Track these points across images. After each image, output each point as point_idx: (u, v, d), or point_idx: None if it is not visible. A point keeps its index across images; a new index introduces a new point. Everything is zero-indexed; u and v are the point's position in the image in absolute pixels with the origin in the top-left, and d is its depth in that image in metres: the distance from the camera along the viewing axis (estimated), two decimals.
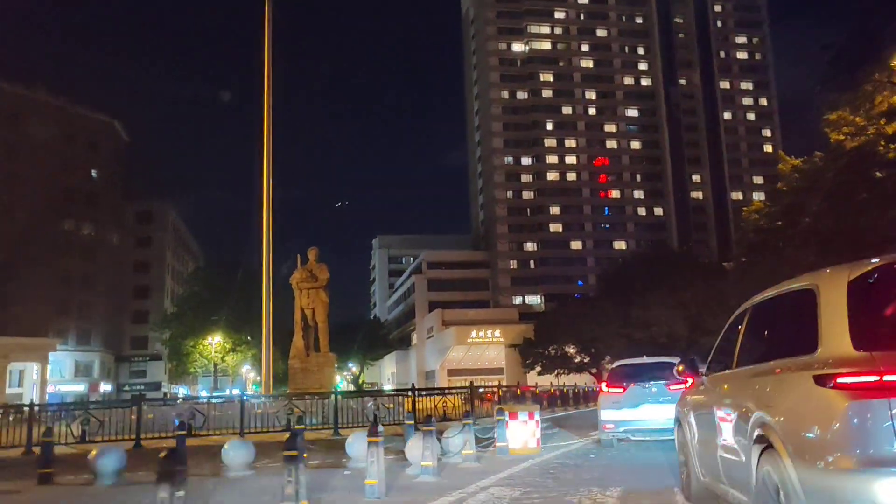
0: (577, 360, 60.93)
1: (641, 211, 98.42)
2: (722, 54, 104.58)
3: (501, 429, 10.53)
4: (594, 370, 61.63)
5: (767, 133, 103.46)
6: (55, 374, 68.46)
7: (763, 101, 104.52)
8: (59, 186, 70.16)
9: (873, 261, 3.45)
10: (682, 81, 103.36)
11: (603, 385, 12.14)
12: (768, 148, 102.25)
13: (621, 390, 11.14)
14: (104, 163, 76.09)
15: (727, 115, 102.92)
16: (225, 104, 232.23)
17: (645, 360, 12.36)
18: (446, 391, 18.96)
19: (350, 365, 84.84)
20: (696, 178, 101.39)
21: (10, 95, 66.70)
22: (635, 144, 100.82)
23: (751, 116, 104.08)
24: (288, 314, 24.15)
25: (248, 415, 15.04)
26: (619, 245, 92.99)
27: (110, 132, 77.51)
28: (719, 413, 4.58)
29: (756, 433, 3.72)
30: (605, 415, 11.46)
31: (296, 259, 21.62)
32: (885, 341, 3.11)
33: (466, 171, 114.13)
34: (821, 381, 3.14)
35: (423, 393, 18.08)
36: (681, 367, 5.50)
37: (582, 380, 56.11)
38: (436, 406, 16.40)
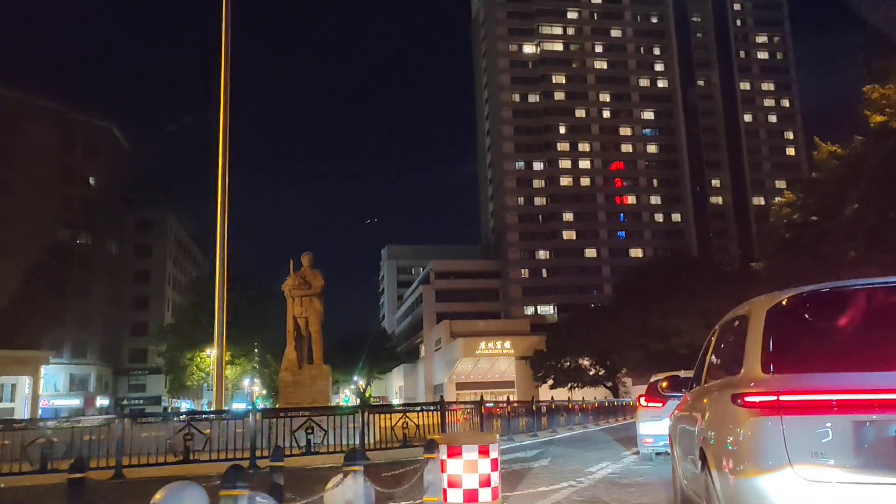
0: (591, 373, 59.51)
1: (658, 217, 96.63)
2: (742, 54, 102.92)
3: (433, 473, 6.54)
4: (609, 383, 59.94)
5: (790, 135, 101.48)
6: (49, 388, 67.48)
7: (785, 103, 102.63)
8: (57, 193, 69.58)
9: (788, 291, 3.93)
10: (700, 82, 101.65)
11: (641, 399, 12.19)
12: (791, 151, 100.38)
13: (660, 404, 10.89)
14: (103, 169, 75.48)
15: (748, 117, 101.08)
16: (232, 109, 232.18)
17: (682, 374, 11.14)
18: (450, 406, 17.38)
19: (356, 378, 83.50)
20: (715, 182, 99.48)
21: (7, 101, 66.30)
22: (652, 148, 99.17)
23: (772, 118, 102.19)
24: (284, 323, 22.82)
25: (257, 435, 12.68)
26: (636, 253, 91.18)
27: (109, 138, 76.92)
28: (688, 428, 4.95)
29: (699, 446, 4.25)
30: (644, 428, 11.41)
31: (289, 265, 20.51)
32: (787, 365, 3.56)
33: (477, 178, 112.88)
34: (734, 399, 3.63)
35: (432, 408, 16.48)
36: (665, 384, 5.71)
37: (597, 394, 54.44)
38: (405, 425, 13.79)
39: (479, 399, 15.11)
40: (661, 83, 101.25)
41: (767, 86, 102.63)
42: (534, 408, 18.75)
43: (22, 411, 57.75)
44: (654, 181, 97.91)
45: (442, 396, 16.25)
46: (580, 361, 59.96)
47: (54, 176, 69.73)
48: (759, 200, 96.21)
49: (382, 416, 13.59)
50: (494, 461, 6.40)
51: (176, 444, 11.55)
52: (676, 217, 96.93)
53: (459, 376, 71.26)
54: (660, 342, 47.55)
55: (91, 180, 74.57)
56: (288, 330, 20.29)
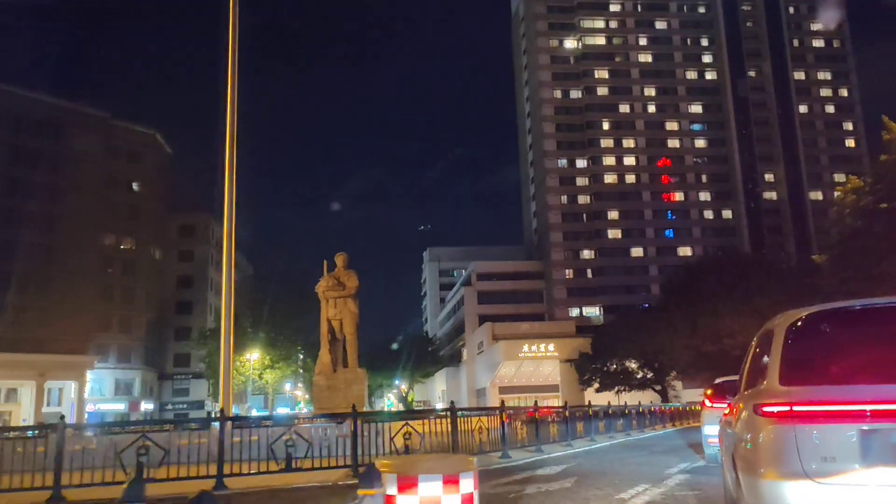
0: (639, 376, 57.43)
1: (708, 214, 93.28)
2: (795, 42, 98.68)
3: None
4: (658, 387, 57.62)
5: (849, 126, 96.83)
6: (96, 393, 68.50)
7: (843, 92, 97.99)
8: (101, 200, 70.62)
9: (807, 309, 4.29)
10: (751, 73, 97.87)
11: (706, 401, 12.27)
12: (850, 143, 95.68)
13: (726, 405, 9.53)
14: (146, 175, 76.44)
15: (803, 109, 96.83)
16: (273, 113, 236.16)
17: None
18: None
19: (397, 381, 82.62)
20: (768, 177, 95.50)
21: (52, 108, 67.76)
22: (700, 143, 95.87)
23: (830, 109, 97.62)
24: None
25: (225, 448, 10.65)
26: (684, 251, 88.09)
27: (153, 144, 77.88)
28: (727, 432, 5.40)
29: (732, 451, 4.84)
30: (710, 430, 11.24)
31: (322, 266, 19.76)
32: (802, 378, 3.90)
33: (518, 178, 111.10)
34: (755, 409, 3.99)
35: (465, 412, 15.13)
36: (709, 391, 6.41)
37: (645, 398, 52.24)
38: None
39: (499, 405, 13.44)
40: (709, 75, 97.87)
41: (824, 75, 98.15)
42: (566, 413, 16.87)
43: (69, 415, 58.64)
44: (703, 177, 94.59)
45: (453, 402, 14.82)
46: (627, 364, 58.05)
47: (99, 182, 70.86)
48: (816, 195, 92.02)
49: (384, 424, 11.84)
50: (468, 498, 4.23)
51: (139, 456, 9.66)
52: (727, 214, 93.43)
53: (502, 380, 69.66)
54: (711, 343, 45.46)
55: (134, 186, 75.52)
56: (322, 332, 19.67)
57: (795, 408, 3.68)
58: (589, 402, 23.66)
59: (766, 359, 4.29)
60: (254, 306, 61.25)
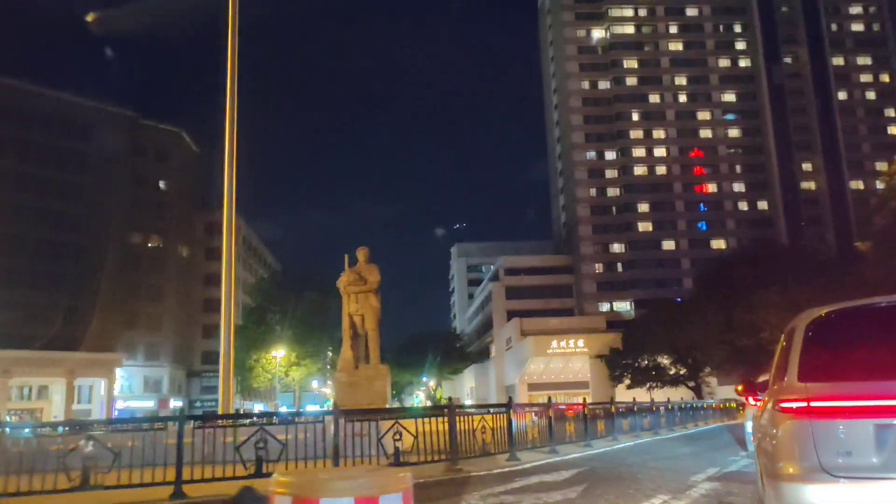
0: (671, 372, 55.69)
1: (743, 206, 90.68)
2: (833, 27, 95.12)
3: None
4: (692, 383, 55.77)
5: (891, 113, 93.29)
6: (126, 390, 68.89)
7: (884, 78, 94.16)
8: (129, 198, 71.03)
9: (827, 307, 4.40)
10: (787, 60, 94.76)
11: (749, 399, 11.60)
12: (893, 130, 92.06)
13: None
14: (173, 174, 76.72)
15: (842, 95, 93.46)
16: (301, 110, 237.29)
17: None
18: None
19: (424, 378, 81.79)
20: (806, 166, 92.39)
21: (80, 108, 68.29)
22: (734, 132, 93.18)
23: (870, 95, 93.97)
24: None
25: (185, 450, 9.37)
26: (718, 244, 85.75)
27: (179, 143, 78.13)
28: (756, 426, 5.73)
29: (758, 445, 5.09)
30: (751, 427, 11.58)
31: (343, 260, 19.41)
32: (819, 374, 4.00)
33: (547, 172, 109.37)
34: (776, 404, 4.19)
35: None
36: (740, 388, 6.35)
37: (678, 394, 50.62)
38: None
39: (507, 402, 12.28)
40: (742, 63, 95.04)
41: (864, 60, 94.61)
42: (585, 411, 15.53)
43: (99, 412, 59.12)
44: (738, 167, 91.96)
45: (450, 398, 13.73)
46: (659, 360, 56.30)
47: (126, 181, 71.26)
48: (857, 184, 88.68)
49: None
50: None
51: (85, 460, 8.57)
52: (763, 205, 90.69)
53: (531, 377, 68.32)
54: (747, 338, 43.80)
55: (162, 185, 75.84)
56: (343, 328, 19.35)
57: (812, 403, 3.81)
58: (612, 397, 22.28)
59: (787, 356, 4.40)
60: (280, 303, 60.89)
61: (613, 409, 19.01)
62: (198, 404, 77.36)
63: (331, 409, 10.69)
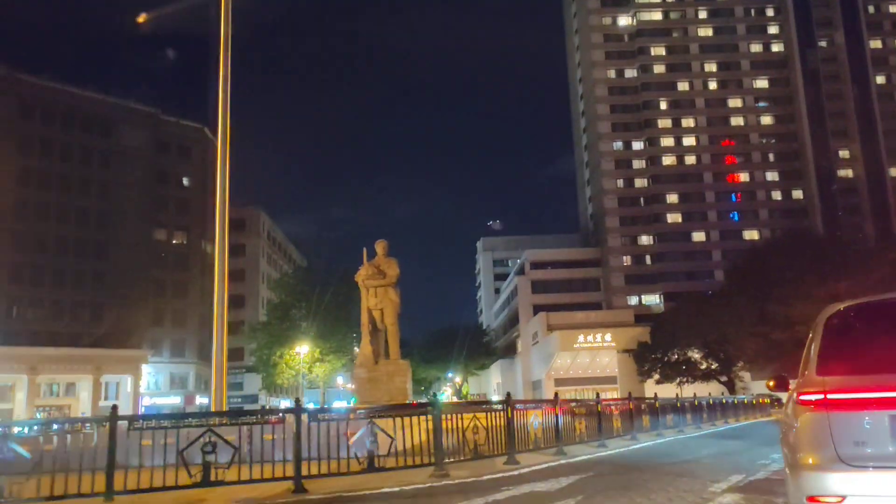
0: (702, 367, 54.06)
1: (776, 195, 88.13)
2: (871, 9, 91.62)
3: None
4: (724, 378, 53.99)
5: None
6: (152, 387, 69.19)
7: None
8: (152, 195, 71.26)
9: (845, 302, 4.57)
10: (822, 44, 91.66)
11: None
12: None
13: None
14: (196, 170, 76.72)
15: (880, 79, 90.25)
16: (324, 105, 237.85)
17: None
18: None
19: (449, 374, 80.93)
20: (843, 153, 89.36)
21: (102, 105, 68.63)
22: (766, 120, 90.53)
23: None
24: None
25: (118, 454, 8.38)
26: (751, 235, 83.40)
27: (202, 139, 78.14)
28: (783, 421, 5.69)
29: (782, 437, 5.09)
30: None
31: (362, 254, 19.22)
32: (836, 368, 4.16)
33: (573, 164, 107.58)
34: (795, 397, 4.36)
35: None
36: (772, 383, 5.99)
37: (710, 389, 49.04)
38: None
39: (505, 398, 11.18)
40: (775, 47, 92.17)
41: None
42: (598, 408, 14.19)
43: (126, 409, 59.35)
44: (771, 156, 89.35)
45: (434, 394, 12.68)
46: (689, 354, 54.65)
47: (149, 177, 71.46)
48: None
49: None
50: None
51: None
52: (798, 194, 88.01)
53: (557, 372, 67.06)
54: (782, 331, 42.27)
55: (185, 181, 75.91)
56: (363, 323, 19.18)
57: (829, 396, 3.99)
58: (629, 392, 20.98)
59: (810, 349, 4.52)
60: (304, 298, 60.40)
61: (632, 406, 17.79)
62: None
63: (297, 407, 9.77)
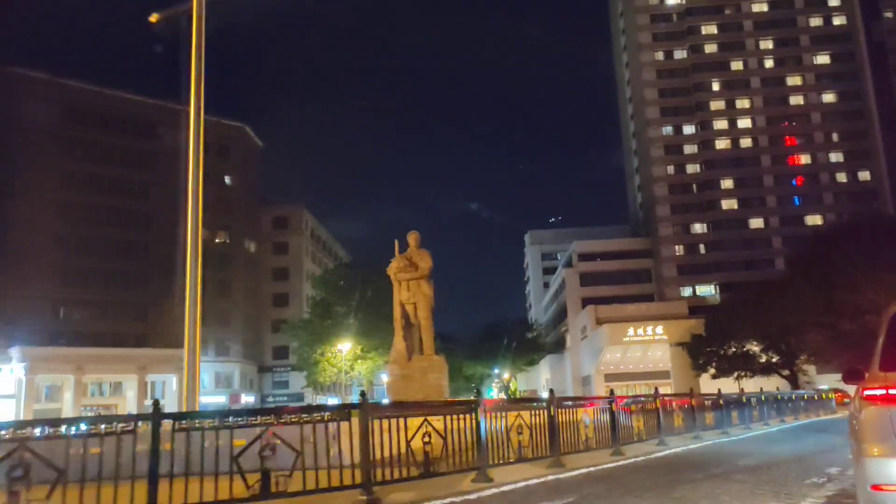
0: (762, 360, 51.24)
1: (841, 177, 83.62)
2: None
3: None
4: (786, 372, 50.92)
5: None
6: None
7: None
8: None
9: None
10: (888, 14, 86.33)
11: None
12: None
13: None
14: (237, 169, 77.01)
15: None
16: (371, 102, 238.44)
17: None
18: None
19: (496, 370, 79.28)
20: None
21: (143, 107, 69.38)
22: (829, 98, 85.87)
23: None
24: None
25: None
26: (813, 220, 79.37)
27: (242, 137, 78.45)
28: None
29: (849, 429, 5.33)
30: None
31: (393, 246, 18.32)
32: None
33: (622, 153, 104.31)
34: (859, 392, 4.69)
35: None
36: (845, 376, 6.01)
37: (771, 384, 46.39)
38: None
39: (608, 394, 9.79)
40: (836, 20, 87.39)
41: None
42: (612, 406, 12.67)
43: (172, 409, 59.68)
44: (834, 135, 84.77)
45: (478, 390, 11.29)
46: (748, 346, 51.80)
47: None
48: None
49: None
50: None
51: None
52: (865, 175, 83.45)
53: (607, 367, 64.81)
54: (850, 321, 39.52)
55: (226, 180, 76.17)
56: (395, 318, 18.34)
57: (891, 391, 4.29)
58: (691, 388, 19.11)
59: (877, 344, 4.83)
60: (346, 295, 59.74)
61: (694, 402, 16.64)
62: (270, 399, 77.65)
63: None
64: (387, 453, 7.86)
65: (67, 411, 54.25)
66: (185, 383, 10.81)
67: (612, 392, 14.30)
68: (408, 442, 8.11)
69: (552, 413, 10.47)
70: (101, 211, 65.09)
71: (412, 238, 18.09)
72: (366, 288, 57.16)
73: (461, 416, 8.83)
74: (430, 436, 8.23)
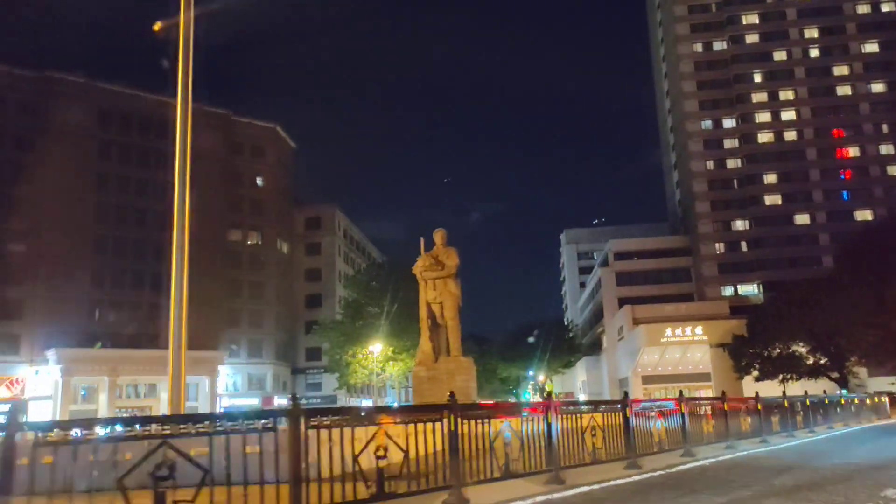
0: (809, 362, 49.01)
1: (893, 170, 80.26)
2: None
3: None
4: (836, 374, 48.60)
5: None
6: (230, 388, 69.83)
7: None
8: (226, 196, 71.97)
9: None
10: None
11: None
12: None
13: None
14: (270, 169, 77.19)
15: None
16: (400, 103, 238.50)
17: None
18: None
19: (530, 372, 77.99)
20: None
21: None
22: (878, 87, 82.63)
23: None
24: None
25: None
26: (863, 215, 76.26)
27: (274, 138, 78.62)
28: None
29: None
30: None
31: (419, 244, 18.27)
32: None
33: (659, 149, 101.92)
34: None
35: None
36: None
37: (818, 387, 44.22)
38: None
39: (623, 397, 8.67)
40: (885, 6, 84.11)
41: None
42: (725, 406, 11.36)
43: (205, 410, 59.96)
44: (884, 127, 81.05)
45: (515, 392, 10.17)
46: (793, 348, 49.66)
47: (223, 179, 72.18)
48: None
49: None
50: None
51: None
52: None
53: (645, 369, 63.01)
54: None
55: (259, 181, 76.38)
56: (421, 318, 18.15)
57: None
58: (723, 392, 17.74)
59: None
60: (378, 296, 59.19)
61: (726, 406, 15.17)
62: (303, 401, 77.47)
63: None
64: (329, 472, 6.57)
65: (102, 413, 54.76)
66: (170, 386, 10.02)
67: (680, 393, 13.38)
68: (355, 457, 6.73)
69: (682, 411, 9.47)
70: (135, 212, 65.76)
71: (438, 235, 17.81)
72: (397, 288, 56.52)
73: (429, 423, 7.53)
74: (385, 449, 6.94)
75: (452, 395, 8.08)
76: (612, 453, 10.42)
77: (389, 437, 7.08)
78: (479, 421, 8.30)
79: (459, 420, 7.77)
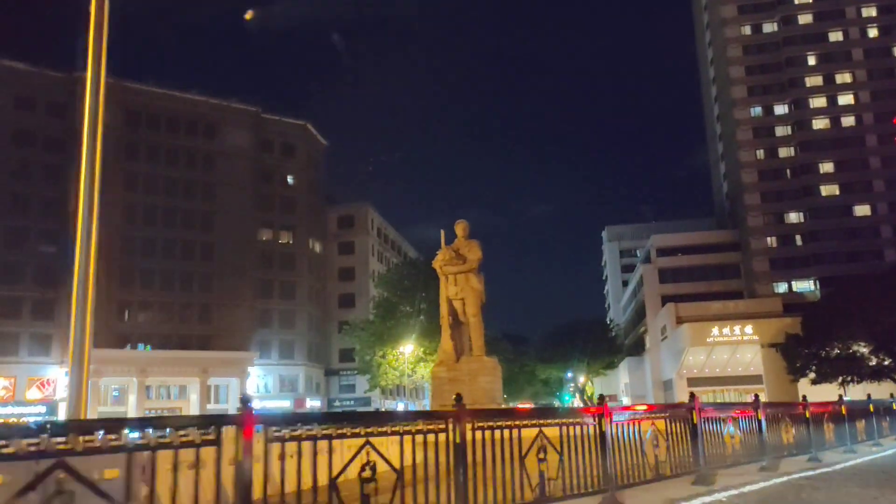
0: (871, 363, 45.60)
1: None
2: None
3: None
4: None
5: None
6: (261, 389, 69.08)
7: None
8: (257, 195, 71.41)
9: None
10: None
11: None
12: None
13: None
14: (301, 168, 76.40)
15: None
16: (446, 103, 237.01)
17: None
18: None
19: (569, 374, 75.35)
20: None
21: (204, 106, 69.58)
22: None
23: None
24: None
25: None
26: None
27: (305, 136, 77.78)
28: None
29: None
30: None
31: (440, 237, 17.35)
32: None
33: (704, 141, 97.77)
34: None
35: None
36: None
37: (881, 391, 40.86)
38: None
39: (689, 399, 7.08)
40: None
41: None
42: (807, 413, 10.36)
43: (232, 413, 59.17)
44: None
45: (557, 394, 8.40)
46: (854, 348, 46.34)
47: (254, 177, 71.66)
48: None
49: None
50: None
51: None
52: None
53: (690, 370, 59.98)
54: None
55: (290, 179, 75.63)
56: (441, 315, 17.20)
57: None
58: (803, 397, 15.58)
59: None
60: (409, 294, 57.62)
61: (844, 410, 14.30)
62: (336, 403, 76.44)
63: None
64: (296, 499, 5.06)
65: (132, 414, 54.44)
66: (71, 387, 8.23)
67: (756, 397, 11.77)
68: (331, 479, 5.21)
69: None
70: (164, 212, 65.61)
71: (460, 227, 16.96)
72: (429, 287, 54.82)
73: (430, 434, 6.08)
74: (373, 469, 5.42)
75: (459, 398, 6.62)
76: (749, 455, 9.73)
77: (378, 453, 5.58)
78: (500, 430, 6.83)
79: (469, 429, 6.36)
